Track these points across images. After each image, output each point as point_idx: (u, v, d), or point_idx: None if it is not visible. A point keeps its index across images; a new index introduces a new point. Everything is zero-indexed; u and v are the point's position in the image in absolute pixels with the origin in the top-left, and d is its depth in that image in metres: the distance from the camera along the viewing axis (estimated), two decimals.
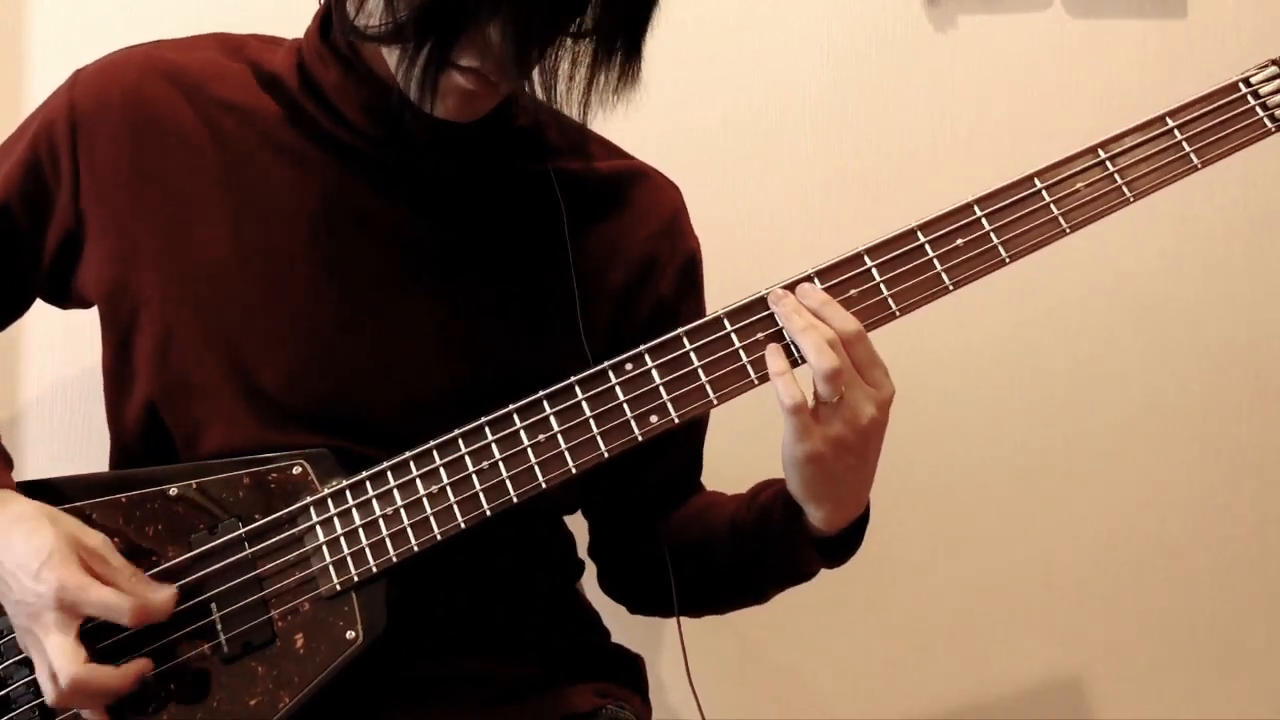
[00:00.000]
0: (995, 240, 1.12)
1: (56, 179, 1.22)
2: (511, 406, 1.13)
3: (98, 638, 1.10)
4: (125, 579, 1.10)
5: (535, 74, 1.08)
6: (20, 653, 1.13)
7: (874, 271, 1.12)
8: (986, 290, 1.15)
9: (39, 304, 1.33)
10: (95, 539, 1.11)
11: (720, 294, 1.34)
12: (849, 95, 1.85)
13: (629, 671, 1.36)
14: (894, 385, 1.10)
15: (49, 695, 1.08)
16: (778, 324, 1.12)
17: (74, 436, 1.71)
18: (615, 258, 1.27)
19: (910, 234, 1.13)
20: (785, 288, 1.13)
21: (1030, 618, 1.91)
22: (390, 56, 1.11)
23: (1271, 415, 1.93)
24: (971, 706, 1.89)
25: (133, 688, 1.09)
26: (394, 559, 1.12)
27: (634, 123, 1.16)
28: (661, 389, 1.12)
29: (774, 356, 1.10)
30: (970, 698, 1.90)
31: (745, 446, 1.39)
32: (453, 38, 1.04)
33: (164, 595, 1.10)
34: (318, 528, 1.13)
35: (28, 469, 1.20)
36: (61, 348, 1.70)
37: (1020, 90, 1.87)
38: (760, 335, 1.12)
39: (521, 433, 1.12)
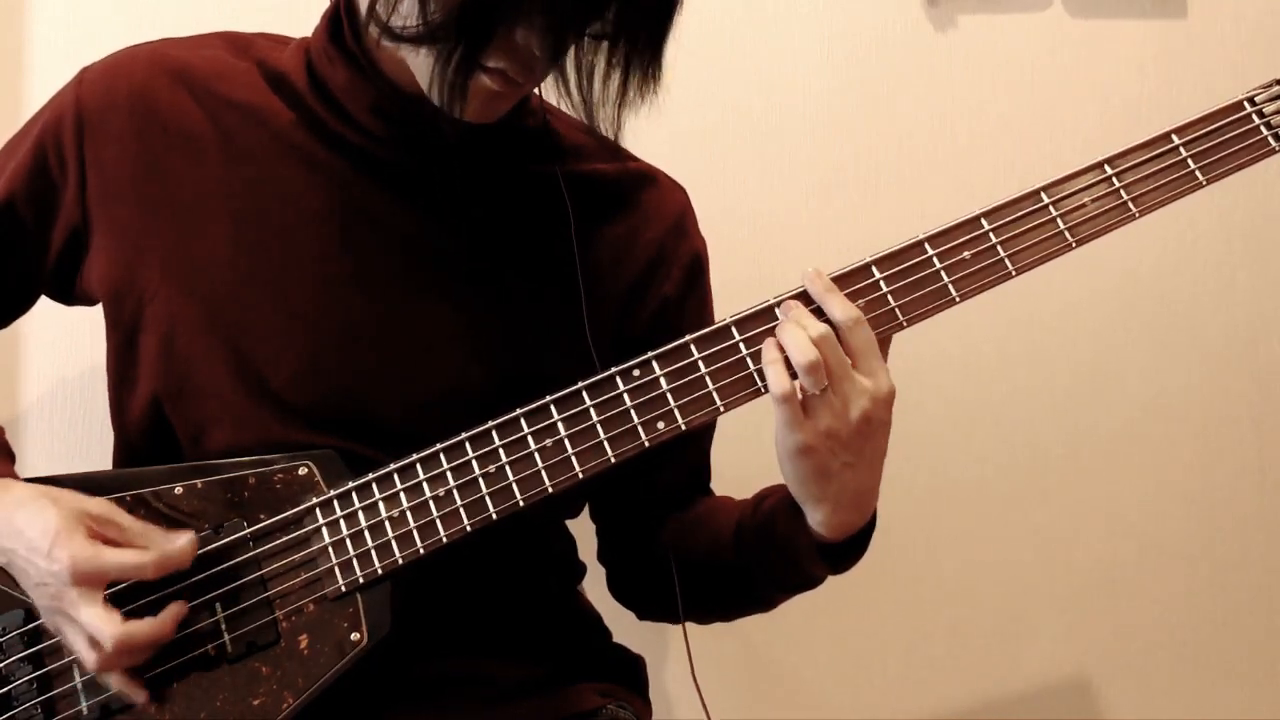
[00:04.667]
0: (1002, 253, 1.13)
1: (63, 176, 1.22)
2: (519, 411, 1.13)
3: (119, 604, 1.10)
4: (138, 535, 1.11)
5: (571, 75, 1.10)
6: (23, 650, 1.13)
7: (882, 283, 1.13)
8: (987, 291, 1.15)
9: (40, 304, 1.33)
10: (98, 505, 1.11)
11: (720, 294, 1.35)
12: (849, 95, 1.85)
13: (630, 672, 1.37)
14: (892, 382, 1.10)
15: (92, 664, 1.08)
16: None
17: (74, 437, 1.71)
18: (622, 259, 1.27)
19: (918, 246, 1.13)
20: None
21: (1033, 619, 1.92)
22: (415, 60, 1.11)
23: (1271, 415, 1.94)
24: (975, 707, 1.90)
25: (172, 634, 1.10)
26: (399, 561, 1.12)
27: (634, 124, 1.16)
28: (669, 395, 1.12)
29: (767, 347, 1.11)
30: (974, 699, 1.91)
31: (749, 449, 1.39)
32: (485, 40, 1.05)
33: (182, 542, 1.10)
34: (323, 529, 1.14)
35: (27, 470, 1.20)
36: (62, 348, 1.70)
37: (1020, 90, 1.88)
38: None
39: (529, 437, 1.13)
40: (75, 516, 1.09)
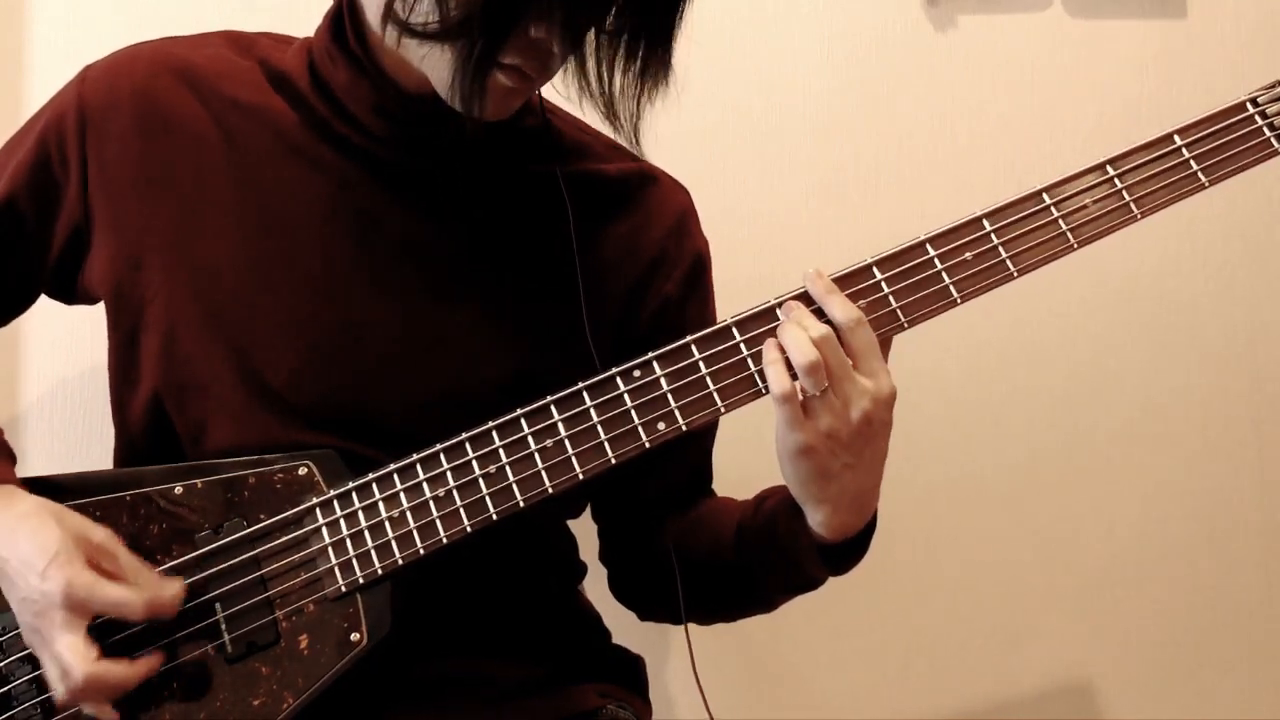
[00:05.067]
0: (1003, 254, 1.13)
1: (65, 174, 1.22)
2: (519, 411, 1.13)
3: (104, 635, 1.09)
4: (133, 574, 1.10)
5: (591, 71, 1.11)
6: (23, 649, 1.13)
7: (883, 284, 1.12)
8: (989, 291, 1.15)
9: (40, 304, 1.33)
10: (101, 535, 1.11)
11: (721, 294, 1.35)
12: (849, 96, 1.85)
13: (629, 672, 1.37)
14: (894, 384, 1.10)
15: (59, 693, 1.08)
16: None
17: (74, 437, 1.71)
18: (623, 259, 1.27)
19: (919, 247, 1.13)
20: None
21: (1033, 619, 1.92)
22: (432, 61, 1.10)
23: (1271, 415, 1.94)
24: (975, 707, 1.90)
25: (140, 682, 1.09)
26: (399, 561, 1.12)
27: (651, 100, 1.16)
28: (669, 396, 1.12)
29: (768, 347, 1.11)
30: (973, 698, 1.91)
31: (750, 450, 1.39)
32: (505, 36, 1.05)
33: (173, 590, 1.10)
34: (323, 529, 1.13)
35: (27, 470, 1.20)
36: (63, 348, 1.70)
37: (1020, 90, 1.88)
38: None
39: (529, 438, 1.13)
40: (76, 541, 1.09)
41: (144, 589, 1.09)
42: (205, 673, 1.12)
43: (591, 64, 1.11)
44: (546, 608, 1.31)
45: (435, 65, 1.10)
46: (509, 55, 1.07)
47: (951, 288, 1.13)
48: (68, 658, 1.05)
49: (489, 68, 1.07)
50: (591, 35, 1.10)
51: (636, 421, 1.12)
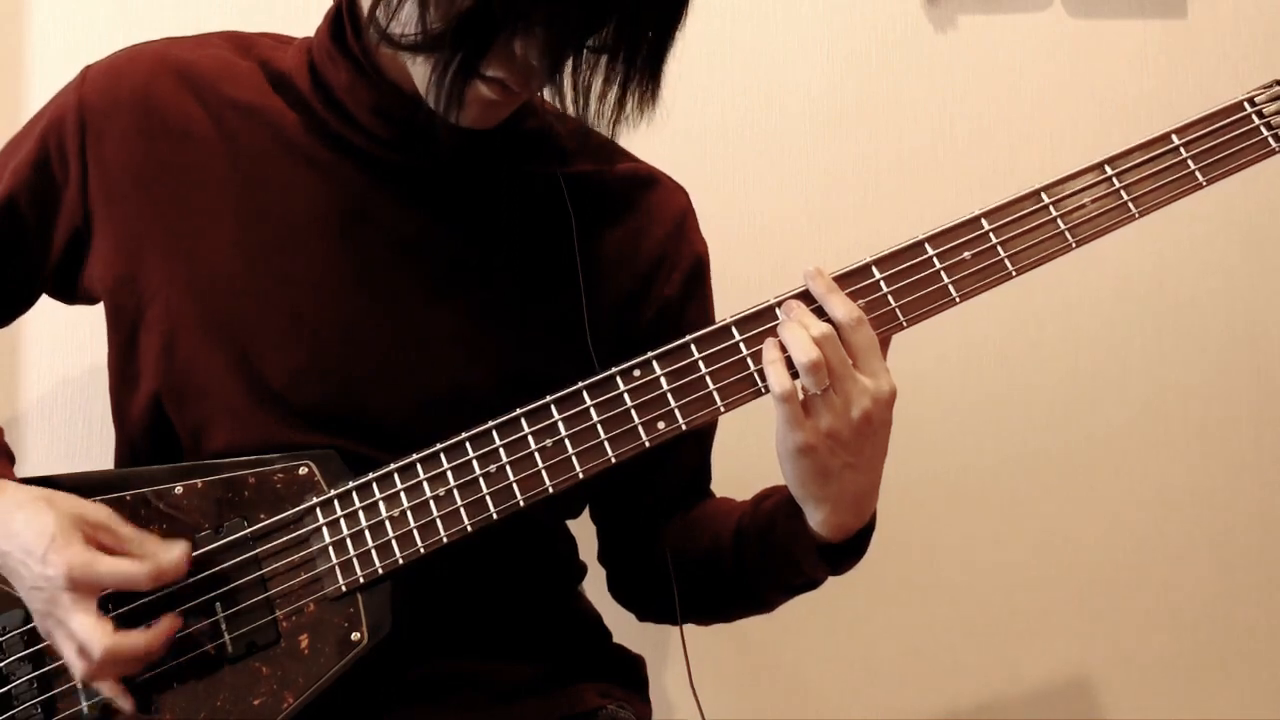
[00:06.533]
0: (1002, 254, 1.13)
1: (65, 175, 1.22)
2: (519, 411, 1.13)
3: (115, 610, 1.10)
4: (135, 545, 1.10)
5: (568, 91, 1.08)
6: (23, 649, 1.13)
7: (882, 283, 1.12)
8: (987, 291, 1.15)
9: (40, 304, 1.33)
10: (96, 510, 1.11)
11: (720, 294, 1.35)
12: (849, 95, 1.85)
13: (630, 672, 1.37)
14: (894, 383, 1.10)
15: (80, 672, 1.08)
16: None
17: (74, 437, 1.71)
18: (623, 261, 1.27)
19: (918, 246, 1.13)
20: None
21: (1033, 619, 1.92)
22: (415, 65, 1.11)
23: (1272, 415, 1.94)
24: (974, 707, 1.91)
25: (165, 648, 1.10)
26: (400, 561, 1.12)
27: (634, 124, 1.16)
28: (669, 396, 1.12)
29: (768, 346, 1.11)
30: (973, 699, 1.91)
31: (749, 449, 1.39)
32: (484, 49, 1.04)
33: (176, 553, 1.10)
34: (324, 529, 1.13)
35: (27, 470, 1.20)
36: (63, 348, 1.70)
37: (1020, 90, 1.88)
38: None
39: (529, 437, 1.13)
40: (72, 521, 1.09)
41: (147, 557, 1.09)
42: (205, 672, 1.12)
43: (568, 85, 1.08)
44: (546, 608, 1.31)
45: (418, 71, 1.10)
46: (491, 67, 1.06)
47: (950, 287, 1.13)
48: (83, 635, 1.06)
49: (468, 79, 1.06)
50: (578, 54, 1.09)
51: (636, 421, 1.12)
